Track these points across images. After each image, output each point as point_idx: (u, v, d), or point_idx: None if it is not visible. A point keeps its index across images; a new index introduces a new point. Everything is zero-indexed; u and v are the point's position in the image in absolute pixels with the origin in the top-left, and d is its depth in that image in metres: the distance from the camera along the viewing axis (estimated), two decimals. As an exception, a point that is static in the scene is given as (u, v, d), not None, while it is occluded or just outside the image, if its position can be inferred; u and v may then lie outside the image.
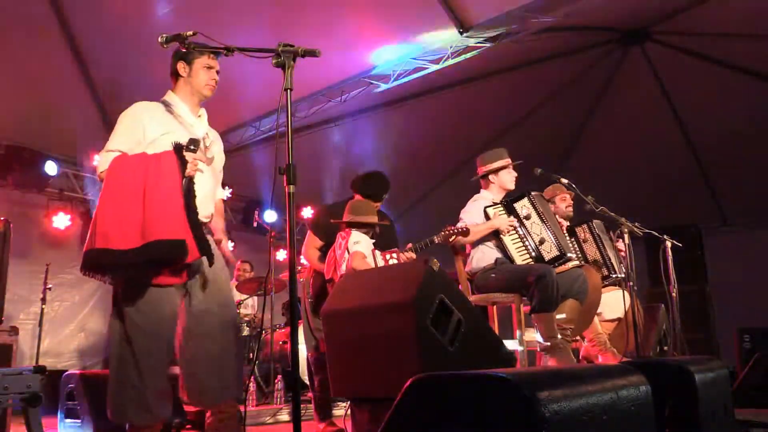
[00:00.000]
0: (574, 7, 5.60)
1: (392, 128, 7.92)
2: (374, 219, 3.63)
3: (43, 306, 6.18)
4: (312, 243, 3.94)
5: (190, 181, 2.44)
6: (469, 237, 3.94)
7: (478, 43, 5.99)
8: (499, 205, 4.06)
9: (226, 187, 6.19)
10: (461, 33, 5.89)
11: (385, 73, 6.41)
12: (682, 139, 8.62)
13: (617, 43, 7.41)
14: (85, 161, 7.02)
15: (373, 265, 3.50)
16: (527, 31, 5.86)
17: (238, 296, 6.20)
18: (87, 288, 7.27)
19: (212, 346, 2.50)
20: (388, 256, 3.65)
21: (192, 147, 2.45)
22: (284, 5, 5.63)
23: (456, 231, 3.86)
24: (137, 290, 2.41)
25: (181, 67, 2.64)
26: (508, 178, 4.18)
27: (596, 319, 4.40)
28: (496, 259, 3.98)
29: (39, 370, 2.37)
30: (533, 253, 3.92)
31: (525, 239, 3.96)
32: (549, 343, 3.67)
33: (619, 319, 4.54)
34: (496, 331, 3.97)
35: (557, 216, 4.40)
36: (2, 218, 2.90)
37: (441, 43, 6.00)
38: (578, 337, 4.41)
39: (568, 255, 4.02)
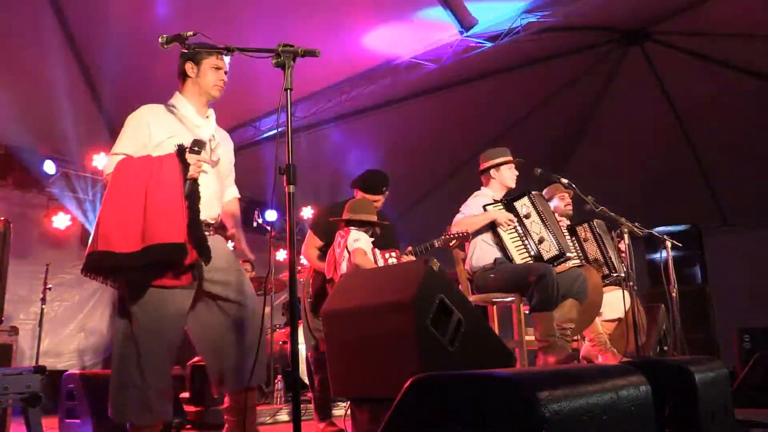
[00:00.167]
0: (574, 7, 5.60)
1: (392, 128, 7.92)
2: (373, 217, 3.61)
3: (43, 306, 6.18)
4: (312, 242, 3.95)
5: (194, 182, 2.46)
6: (467, 225, 3.96)
7: (478, 43, 5.99)
8: (499, 203, 4.07)
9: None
10: (461, 33, 5.90)
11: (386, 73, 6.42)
12: (682, 139, 8.63)
13: (617, 43, 7.42)
14: (85, 161, 7.01)
15: (374, 261, 3.50)
16: (527, 31, 5.86)
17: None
18: (87, 288, 7.27)
19: (236, 335, 2.55)
20: (387, 256, 3.65)
21: (196, 148, 2.46)
22: (285, 7, 5.63)
23: (456, 236, 3.86)
24: (140, 291, 2.43)
25: (189, 67, 2.65)
26: (509, 175, 4.20)
27: (597, 318, 4.40)
28: (495, 259, 3.98)
29: (39, 370, 2.37)
30: (532, 252, 3.93)
31: (524, 238, 3.97)
32: (547, 342, 3.67)
33: (619, 319, 4.54)
34: (496, 331, 3.97)
35: (557, 214, 4.41)
36: (2, 218, 2.91)
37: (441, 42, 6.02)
38: (578, 337, 4.42)
39: (568, 254, 4.02)
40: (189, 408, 4.53)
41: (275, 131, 6.98)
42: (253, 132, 7.32)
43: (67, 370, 4.50)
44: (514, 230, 4.00)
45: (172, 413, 2.73)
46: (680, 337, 4.79)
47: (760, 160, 8.24)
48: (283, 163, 2.12)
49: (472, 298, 4.00)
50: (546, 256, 3.91)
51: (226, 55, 2.48)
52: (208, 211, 2.55)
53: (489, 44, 6.00)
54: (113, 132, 6.83)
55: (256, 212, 8.25)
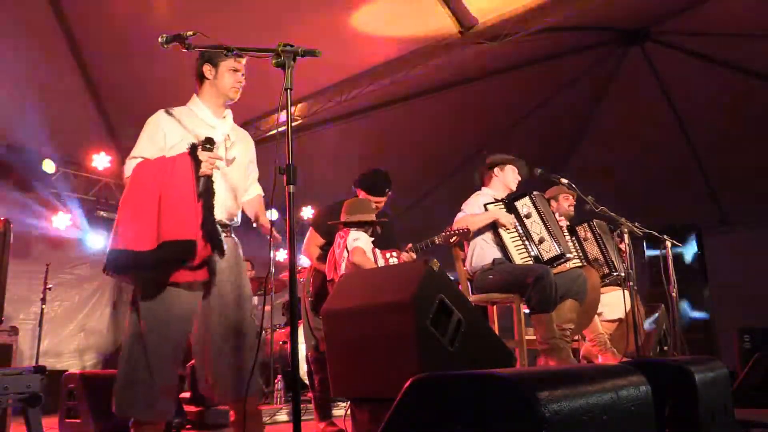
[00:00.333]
0: (574, 7, 5.60)
1: (392, 128, 7.92)
2: (371, 217, 3.60)
3: (43, 306, 6.18)
4: (313, 241, 3.95)
5: (208, 179, 2.49)
6: (469, 224, 3.97)
7: (478, 42, 5.99)
8: (500, 203, 4.07)
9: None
10: (461, 33, 5.89)
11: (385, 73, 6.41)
12: (682, 140, 8.62)
13: (617, 43, 7.41)
14: (84, 161, 7.01)
15: (374, 260, 3.50)
16: (527, 31, 5.86)
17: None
18: (87, 288, 7.28)
19: (231, 343, 2.54)
20: (388, 255, 3.65)
21: (208, 146, 2.49)
22: (282, 5, 5.63)
23: (457, 232, 3.86)
24: (153, 288, 2.48)
25: (207, 69, 2.67)
26: (512, 177, 4.23)
27: (597, 318, 4.40)
28: (494, 260, 3.98)
29: (39, 370, 2.38)
30: (532, 252, 3.93)
31: (524, 238, 3.97)
32: (548, 345, 3.67)
33: (620, 320, 4.54)
34: (496, 331, 3.97)
35: (558, 214, 4.41)
36: (2, 218, 2.91)
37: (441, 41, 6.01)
38: (578, 337, 4.42)
39: (568, 255, 4.02)
40: (189, 408, 4.53)
41: (275, 131, 6.98)
42: (253, 132, 7.32)
43: (67, 370, 4.50)
44: (514, 230, 4.00)
45: (174, 413, 2.73)
46: (680, 337, 4.79)
47: (760, 160, 8.24)
48: (283, 163, 2.12)
49: (472, 298, 4.00)
50: (546, 256, 3.91)
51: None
52: (222, 208, 2.58)
53: (489, 44, 5.99)
54: (113, 132, 6.83)
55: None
